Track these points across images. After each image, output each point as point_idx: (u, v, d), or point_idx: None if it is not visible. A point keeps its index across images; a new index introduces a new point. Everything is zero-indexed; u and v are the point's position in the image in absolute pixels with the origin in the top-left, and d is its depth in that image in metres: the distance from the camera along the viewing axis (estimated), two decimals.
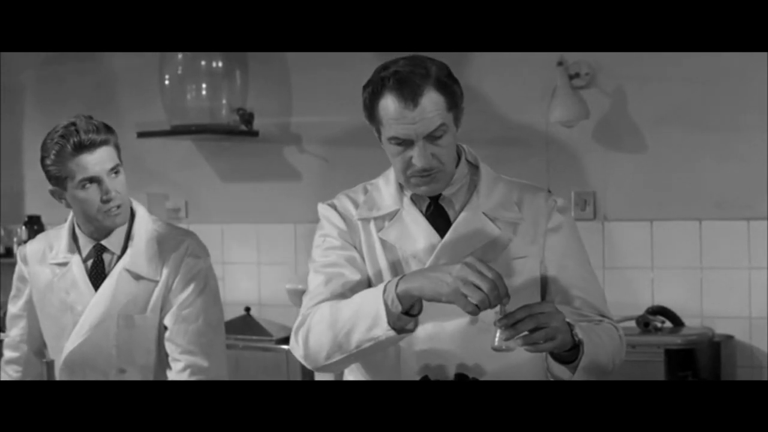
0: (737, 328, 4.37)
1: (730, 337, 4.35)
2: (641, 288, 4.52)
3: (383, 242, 2.57)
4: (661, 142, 4.49)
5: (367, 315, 2.37)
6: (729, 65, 4.31)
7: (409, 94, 2.41)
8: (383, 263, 2.55)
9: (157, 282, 3.09)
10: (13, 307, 3.26)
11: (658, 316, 4.38)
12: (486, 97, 4.71)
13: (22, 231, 5.88)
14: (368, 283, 2.54)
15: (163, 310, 3.10)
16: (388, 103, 2.44)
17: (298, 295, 4.61)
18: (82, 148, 2.96)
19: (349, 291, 2.50)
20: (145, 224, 3.15)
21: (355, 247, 2.58)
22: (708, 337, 4.28)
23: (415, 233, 2.54)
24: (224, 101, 5.22)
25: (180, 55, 5.17)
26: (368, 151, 5.01)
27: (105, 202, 3.02)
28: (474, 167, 2.63)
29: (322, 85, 5.15)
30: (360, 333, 2.38)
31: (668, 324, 4.40)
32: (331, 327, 2.44)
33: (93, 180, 2.99)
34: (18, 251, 3.26)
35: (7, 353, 3.27)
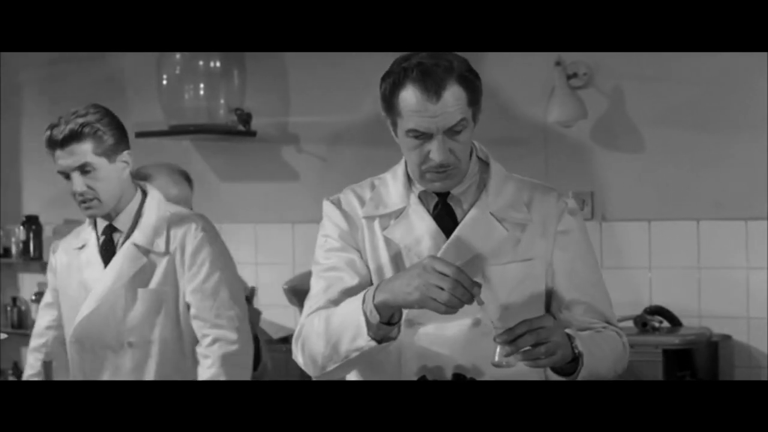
0: (735, 328, 4.37)
1: (727, 337, 4.36)
2: (639, 288, 4.52)
3: (387, 241, 2.52)
4: (659, 142, 4.49)
5: (351, 325, 2.36)
6: (728, 65, 4.31)
7: (433, 87, 2.36)
8: (386, 263, 2.51)
9: (164, 255, 3.16)
10: (45, 298, 3.37)
11: (656, 316, 4.38)
12: (484, 96, 4.70)
13: (20, 231, 5.88)
14: (369, 286, 2.48)
15: (173, 284, 3.16)
16: (410, 95, 2.38)
17: (295, 295, 4.61)
18: (52, 143, 3.08)
19: (345, 296, 2.47)
20: (156, 204, 3.24)
21: (357, 248, 2.55)
22: (706, 337, 4.28)
23: (421, 232, 2.50)
24: (222, 101, 5.22)
25: (178, 55, 5.17)
26: (366, 150, 5.03)
27: (74, 195, 3.12)
28: (485, 164, 2.58)
29: (320, 85, 5.16)
30: (346, 343, 2.38)
31: (666, 324, 4.40)
32: (322, 338, 2.43)
33: (64, 176, 3.11)
34: (51, 245, 3.38)
35: (33, 341, 3.36)
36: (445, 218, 2.51)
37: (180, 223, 3.21)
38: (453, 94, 2.38)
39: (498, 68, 4.70)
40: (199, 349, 3.15)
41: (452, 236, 2.48)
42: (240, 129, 5.23)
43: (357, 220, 2.56)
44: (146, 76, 5.35)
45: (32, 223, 5.86)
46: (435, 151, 2.40)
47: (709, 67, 4.35)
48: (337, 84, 5.06)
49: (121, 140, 3.17)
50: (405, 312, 2.39)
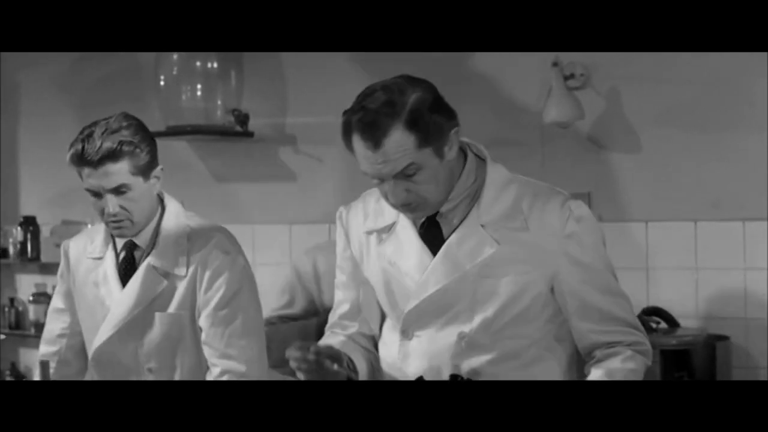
0: (733, 329, 4.36)
1: (725, 338, 4.35)
2: (636, 288, 4.51)
3: (379, 256, 2.52)
4: (656, 143, 4.49)
5: None
6: (724, 65, 4.31)
7: (371, 137, 2.31)
8: (377, 280, 2.54)
9: (182, 278, 3.00)
10: (54, 302, 3.20)
11: (653, 317, 4.37)
12: (481, 97, 4.71)
13: (18, 232, 5.87)
14: (357, 309, 2.62)
15: (192, 308, 3.01)
16: (356, 140, 2.36)
17: None
18: (83, 161, 2.88)
19: (342, 319, 2.63)
20: (175, 220, 3.08)
21: (355, 263, 2.58)
22: (703, 337, 4.27)
23: (408, 250, 2.47)
24: (219, 102, 5.22)
25: (175, 56, 5.17)
26: None
27: (104, 215, 2.96)
28: (483, 166, 2.50)
29: (318, 85, 5.15)
30: None
31: (663, 325, 4.40)
32: None
33: (92, 193, 2.94)
34: (62, 246, 3.21)
35: (44, 348, 3.19)
36: (432, 236, 2.46)
37: (200, 241, 3.04)
38: (396, 141, 2.30)
39: (494, 68, 4.70)
40: (208, 379, 2.97)
41: (437, 256, 2.44)
42: (237, 130, 5.23)
43: (357, 234, 2.57)
44: (143, 76, 5.35)
45: (30, 223, 5.85)
46: (390, 193, 2.37)
47: (707, 68, 4.35)
48: (334, 85, 5.05)
49: (155, 156, 3.01)
50: (400, 322, 2.48)
